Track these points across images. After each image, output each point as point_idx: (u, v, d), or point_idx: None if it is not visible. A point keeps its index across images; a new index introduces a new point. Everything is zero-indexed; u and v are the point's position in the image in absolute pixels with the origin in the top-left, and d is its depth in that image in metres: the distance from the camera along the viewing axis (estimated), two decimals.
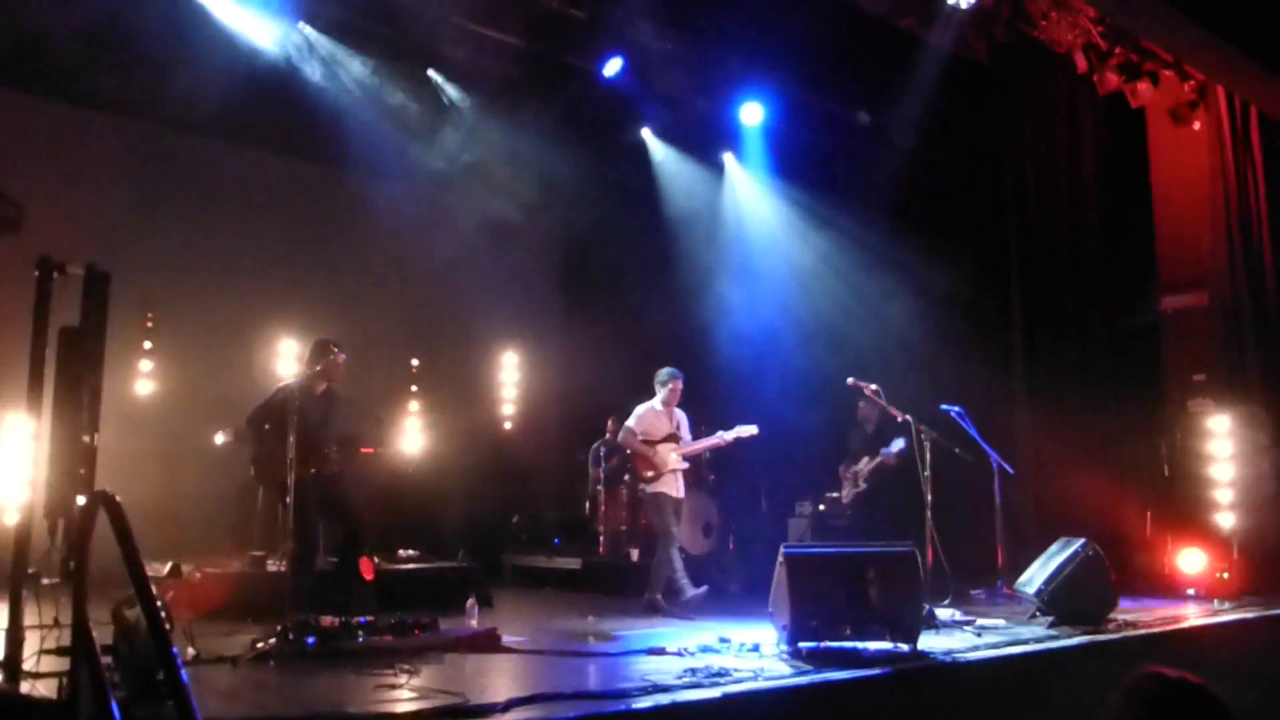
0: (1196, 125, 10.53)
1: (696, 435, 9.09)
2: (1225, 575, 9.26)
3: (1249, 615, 8.23)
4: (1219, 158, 10.41)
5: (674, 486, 8.72)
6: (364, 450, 8.21)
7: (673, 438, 8.78)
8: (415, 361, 11.83)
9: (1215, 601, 8.87)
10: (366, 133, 10.09)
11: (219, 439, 8.90)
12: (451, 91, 10.86)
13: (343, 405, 7.74)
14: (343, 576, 7.50)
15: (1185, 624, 7.72)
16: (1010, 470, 9.11)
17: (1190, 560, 9.38)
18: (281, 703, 5.01)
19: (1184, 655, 7.13)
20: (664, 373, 8.95)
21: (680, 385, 8.89)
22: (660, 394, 8.86)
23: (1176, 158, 10.69)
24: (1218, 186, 10.38)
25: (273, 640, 5.85)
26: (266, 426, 7.25)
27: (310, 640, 5.98)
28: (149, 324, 10.00)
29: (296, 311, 10.28)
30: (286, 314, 10.30)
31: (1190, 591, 9.25)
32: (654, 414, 8.84)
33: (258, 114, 9.62)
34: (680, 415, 8.94)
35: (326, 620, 6.31)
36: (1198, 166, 10.52)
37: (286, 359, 10.16)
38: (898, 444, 9.42)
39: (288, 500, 6.90)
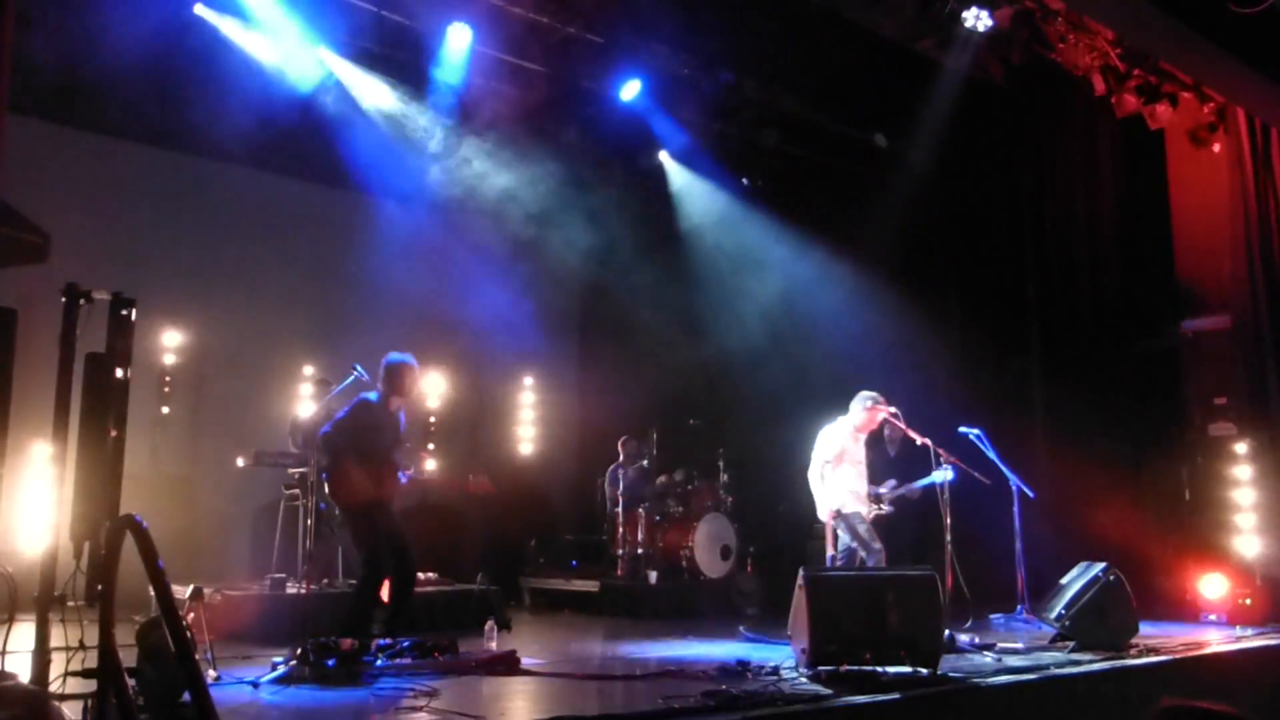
0: (1216, 147, 10.50)
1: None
2: (1248, 601, 9.18)
3: (1272, 641, 8.16)
4: (1239, 180, 10.37)
5: (868, 506, 8.25)
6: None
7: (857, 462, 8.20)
8: (434, 383, 11.89)
9: (1238, 627, 8.80)
10: (387, 158, 10.19)
11: (240, 463, 9.00)
12: (472, 117, 10.95)
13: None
14: (401, 598, 7.29)
15: (1207, 650, 7.65)
16: (1030, 493, 9.07)
17: (1212, 586, 9.31)
18: None
19: (1206, 681, 7.08)
20: (869, 396, 8.14)
21: (879, 413, 8.15)
22: (858, 418, 8.15)
23: (1196, 180, 10.66)
24: (1238, 208, 10.34)
25: (293, 663, 5.88)
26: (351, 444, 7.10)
27: (330, 663, 6.02)
28: (171, 349, 10.08)
29: (317, 336, 10.37)
30: (307, 339, 10.39)
31: (1212, 617, 9.19)
32: (851, 438, 8.15)
33: (280, 140, 9.72)
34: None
35: (346, 643, 6.34)
36: (1218, 189, 10.49)
37: (308, 384, 10.24)
38: (944, 475, 9.09)
39: (368, 520, 6.98)
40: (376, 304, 10.90)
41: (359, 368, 7.53)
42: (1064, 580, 7.82)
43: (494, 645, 7.06)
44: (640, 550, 10.76)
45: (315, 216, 11.18)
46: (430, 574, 9.49)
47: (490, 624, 7.41)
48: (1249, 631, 8.60)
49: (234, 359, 10.27)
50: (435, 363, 11.80)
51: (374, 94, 10.25)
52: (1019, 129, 11.99)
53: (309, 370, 10.26)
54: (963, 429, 8.87)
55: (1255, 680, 7.45)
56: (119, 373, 4.66)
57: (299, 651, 5.96)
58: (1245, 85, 9.82)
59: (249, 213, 10.55)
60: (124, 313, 4.74)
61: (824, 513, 8.14)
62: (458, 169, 10.87)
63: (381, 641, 6.52)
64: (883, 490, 10.10)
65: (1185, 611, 9.44)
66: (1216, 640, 8.10)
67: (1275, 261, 10.46)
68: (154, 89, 8.79)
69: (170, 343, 10.02)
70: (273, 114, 9.24)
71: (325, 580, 8.72)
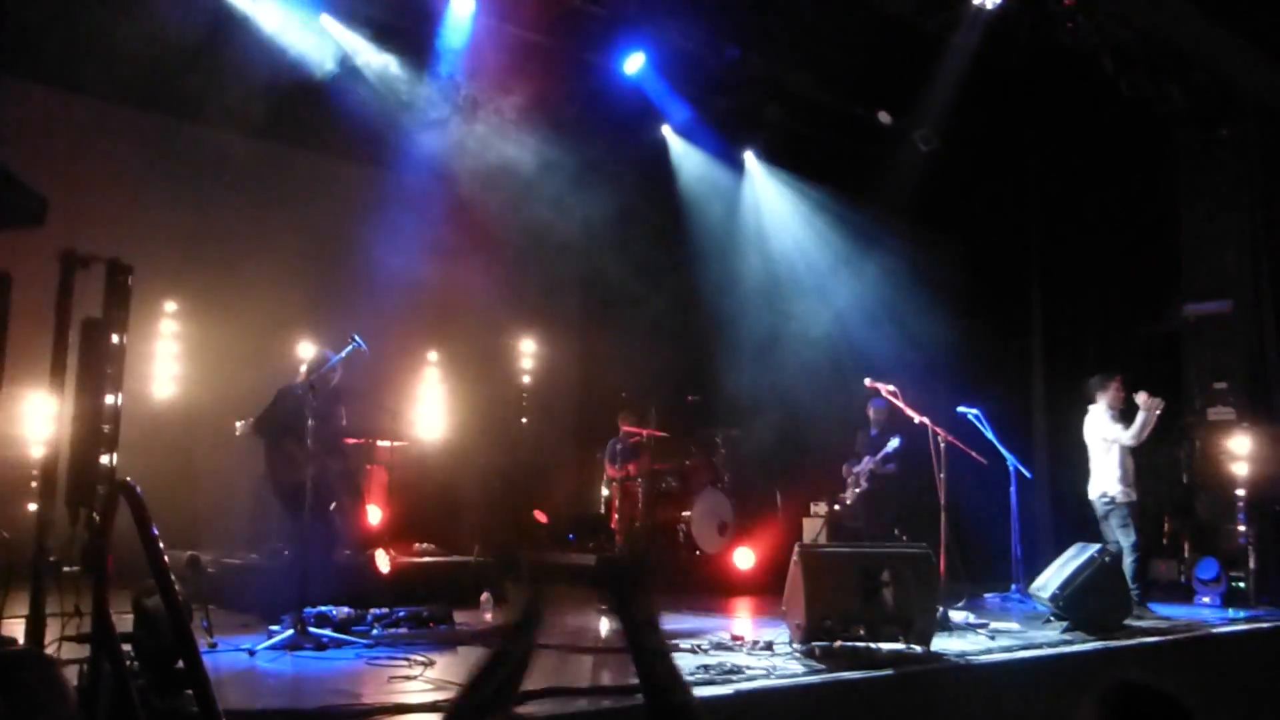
0: (1224, 132, 10.47)
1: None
2: (1241, 584, 9.22)
3: (1264, 625, 8.19)
4: (1246, 165, 10.34)
5: None
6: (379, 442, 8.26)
7: None
8: (433, 356, 11.88)
9: (1230, 610, 8.84)
10: (388, 128, 10.12)
11: (238, 430, 8.98)
12: (473, 88, 10.87)
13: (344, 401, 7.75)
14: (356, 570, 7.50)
15: (1200, 632, 7.69)
16: (1028, 474, 9.08)
17: (1206, 568, 9.34)
18: (297, 693, 5.06)
19: (1197, 663, 7.11)
20: (1106, 379, 8.94)
21: None
22: (1113, 399, 8.86)
23: (1203, 164, 10.63)
24: (1244, 194, 10.32)
25: (289, 631, 5.90)
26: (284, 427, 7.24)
27: (326, 632, 6.04)
28: (169, 317, 10.06)
29: (317, 304, 10.32)
30: (307, 306, 10.35)
31: (1205, 599, 9.22)
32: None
33: (281, 108, 9.64)
34: None
35: (342, 612, 6.37)
36: (1223, 173, 10.46)
37: (306, 352, 10.19)
38: (891, 444, 9.48)
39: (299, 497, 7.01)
40: (376, 273, 10.83)
41: (357, 337, 7.51)
42: (1059, 560, 7.84)
43: (489, 617, 7.09)
44: (637, 524, 10.77)
45: (315, 185, 11.10)
46: (427, 545, 9.51)
47: (486, 595, 7.43)
48: (1241, 614, 8.63)
49: (232, 325, 10.22)
50: (434, 333, 11.78)
51: (377, 63, 10.17)
52: (1025, 109, 11.91)
53: (305, 344, 10.22)
54: (961, 408, 8.87)
55: (1246, 663, 7.48)
56: (115, 339, 4.63)
57: (295, 620, 5.97)
58: (1255, 70, 9.78)
59: (248, 180, 10.46)
60: (121, 278, 4.71)
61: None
62: (459, 140, 10.80)
63: (377, 611, 6.55)
64: (859, 468, 10.16)
65: (1180, 593, 9.47)
66: (1209, 622, 8.13)
67: (1279, 247, 10.45)
68: (154, 54, 8.70)
69: (168, 309, 9.99)
70: (274, 81, 9.16)
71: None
